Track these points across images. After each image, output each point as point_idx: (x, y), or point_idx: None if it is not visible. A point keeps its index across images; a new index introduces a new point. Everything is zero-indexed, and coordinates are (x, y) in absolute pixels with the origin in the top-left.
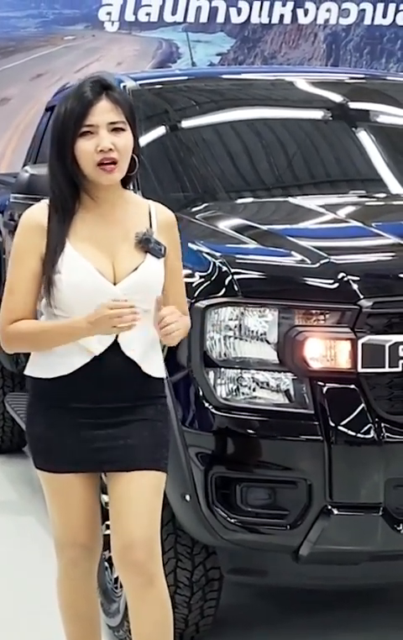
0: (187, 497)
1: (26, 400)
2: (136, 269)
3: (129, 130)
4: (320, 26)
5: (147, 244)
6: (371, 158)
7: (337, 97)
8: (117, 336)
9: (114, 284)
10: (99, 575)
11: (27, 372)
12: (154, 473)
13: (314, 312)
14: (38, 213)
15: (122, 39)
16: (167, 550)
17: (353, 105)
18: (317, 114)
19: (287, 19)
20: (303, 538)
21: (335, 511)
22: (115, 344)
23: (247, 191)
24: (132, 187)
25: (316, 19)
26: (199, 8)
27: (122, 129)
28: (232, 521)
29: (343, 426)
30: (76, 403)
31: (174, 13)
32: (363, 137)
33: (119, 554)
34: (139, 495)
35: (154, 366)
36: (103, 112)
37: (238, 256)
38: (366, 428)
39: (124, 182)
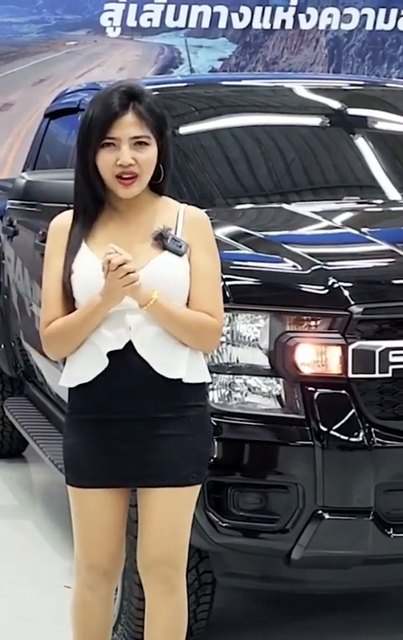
0: None
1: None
2: (147, 264)
3: (154, 144)
4: (322, 31)
5: (162, 241)
6: (369, 164)
7: (335, 104)
8: (131, 335)
9: None
10: None
11: (60, 383)
12: (181, 489)
13: (305, 318)
14: (64, 219)
15: (124, 45)
16: None
17: (351, 112)
18: (315, 121)
19: (289, 25)
20: (294, 542)
21: (326, 516)
22: (131, 345)
23: (244, 197)
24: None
25: (317, 25)
26: (201, 14)
27: (146, 144)
28: (225, 525)
29: (334, 431)
30: (100, 415)
31: (176, 18)
32: (361, 143)
33: (143, 568)
34: (165, 511)
35: (176, 368)
36: (127, 125)
37: (230, 263)
38: (357, 433)
39: (156, 189)
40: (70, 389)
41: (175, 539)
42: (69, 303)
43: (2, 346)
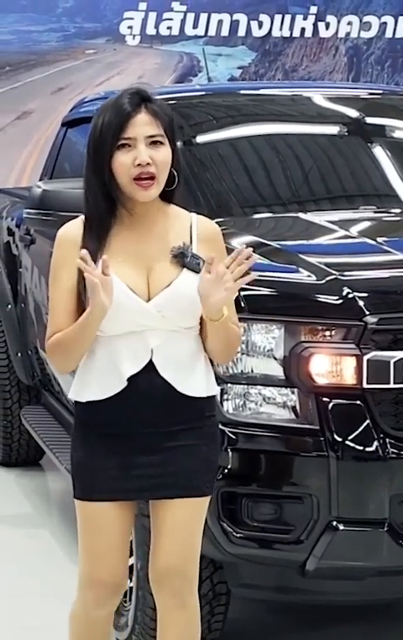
0: None
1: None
2: (170, 284)
3: (168, 144)
4: (341, 39)
5: (182, 259)
6: (386, 173)
7: (353, 113)
8: (151, 356)
9: (149, 300)
10: None
11: (69, 395)
12: (195, 500)
13: (320, 328)
14: (73, 229)
15: (144, 53)
16: None
17: (369, 120)
18: (333, 130)
19: (308, 33)
20: (309, 553)
21: (340, 527)
22: (151, 365)
23: (261, 206)
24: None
25: (337, 32)
26: (220, 22)
27: (161, 143)
28: (239, 535)
29: (349, 441)
30: (114, 429)
31: (195, 26)
32: (379, 152)
33: (155, 579)
34: (178, 523)
35: (196, 386)
36: (142, 124)
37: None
38: (371, 444)
39: (166, 197)
40: (78, 401)
41: (188, 550)
42: (77, 318)
43: (19, 354)
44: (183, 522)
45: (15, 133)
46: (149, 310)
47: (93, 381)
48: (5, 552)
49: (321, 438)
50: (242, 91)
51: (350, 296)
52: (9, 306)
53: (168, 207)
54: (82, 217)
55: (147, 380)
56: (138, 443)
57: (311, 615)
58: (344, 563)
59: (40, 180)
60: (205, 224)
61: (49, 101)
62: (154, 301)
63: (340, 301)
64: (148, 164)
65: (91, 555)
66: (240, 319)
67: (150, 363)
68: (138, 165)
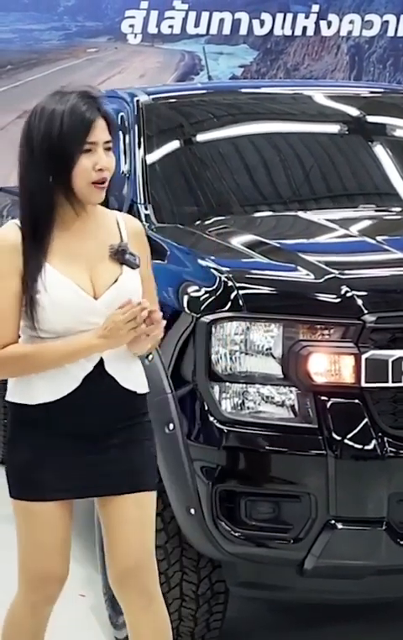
0: (192, 511)
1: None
2: (115, 281)
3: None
4: (343, 38)
5: (122, 256)
6: (387, 172)
7: (353, 111)
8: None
9: (95, 298)
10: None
11: (8, 398)
12: (145, 494)
13: (318, 326)
14: (11, 234)
15: (145, 52)
16: (173, 563)
17: (370, 119)
18: (334, 128)
19: (310, 31)
20: (307, 552)
21: (339, 526)
22: (100, 364)
23: (261, 204)
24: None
25: (339, 31)
26: (222, 21)
27: (110, 149)
28: (237, 534)
29: (347, 440)
30: (64, 428)
31: (197, 25)
32: (380, 151)
33: (118, 578)
34: (135, 518)
35: (137, 382)
36: (102, 129)
37: (243, 271)
38: (369, 443)
39: None
40: (17, 403)
41: (148, 545)
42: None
43: None
44: (139, 518)
45: (16, 132)
46: (100, 308)
47: (41, 383)
48: (5, 552)
49: (320, 437)
50: (243, 90)
51: (349, 294)
52: None
53: (94, 207)
54: (13, 221)
55: (96, 377)
56: (88, 440)
57: (309, 614)
58: (342, 561)
59: None
60: (130, 222)
61: None
62: (103, 299)
63: (339, 300)
64: (107, 169)
65: (40, 553)
66: (239, 318)
67: (100, 362)
68: (100, 169)
